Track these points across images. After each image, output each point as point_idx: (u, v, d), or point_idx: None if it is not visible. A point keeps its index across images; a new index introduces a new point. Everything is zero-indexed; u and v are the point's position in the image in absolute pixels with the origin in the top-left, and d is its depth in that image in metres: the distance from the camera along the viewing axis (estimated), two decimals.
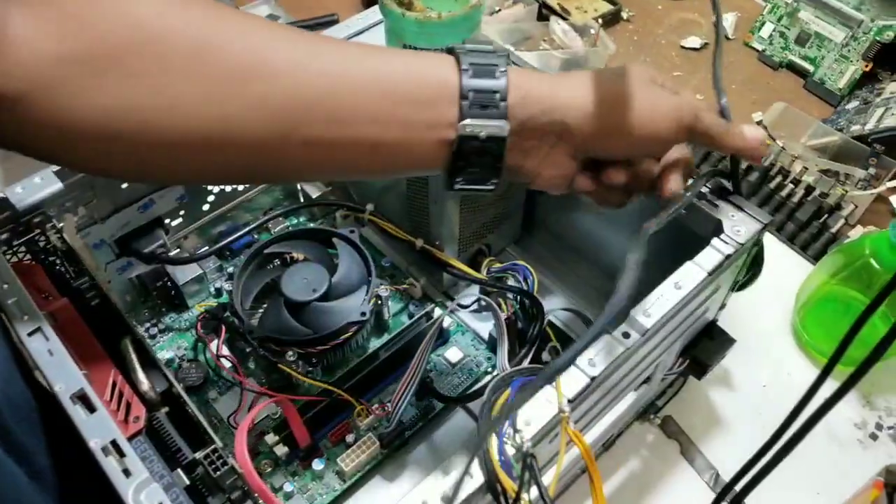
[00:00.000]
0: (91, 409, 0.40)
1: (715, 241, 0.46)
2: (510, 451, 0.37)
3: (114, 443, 0.38)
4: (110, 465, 0.38)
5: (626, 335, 0.42)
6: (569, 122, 0.38)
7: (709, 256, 0.46)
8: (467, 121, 0.36)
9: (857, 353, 0.63)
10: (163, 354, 0.61)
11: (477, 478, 0.37)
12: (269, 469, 0.54)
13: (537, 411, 0.39)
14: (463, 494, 0.36)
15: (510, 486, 0.36)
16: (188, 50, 0.34)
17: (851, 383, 0.41)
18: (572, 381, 0.40)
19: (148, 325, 0.63)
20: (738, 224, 0.47)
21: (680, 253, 0.47)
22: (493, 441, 0.38)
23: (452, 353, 0.61)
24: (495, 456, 0.37)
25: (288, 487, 0.53)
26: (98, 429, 0.39)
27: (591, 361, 0.41)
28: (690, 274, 0.45)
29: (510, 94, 0.37)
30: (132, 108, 0.33)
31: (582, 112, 0.38)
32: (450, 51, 0.39)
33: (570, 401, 0.39)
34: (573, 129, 0.38)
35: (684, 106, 0.40)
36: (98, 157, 0.36)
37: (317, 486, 0.54)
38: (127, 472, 0.37)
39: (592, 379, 0.40)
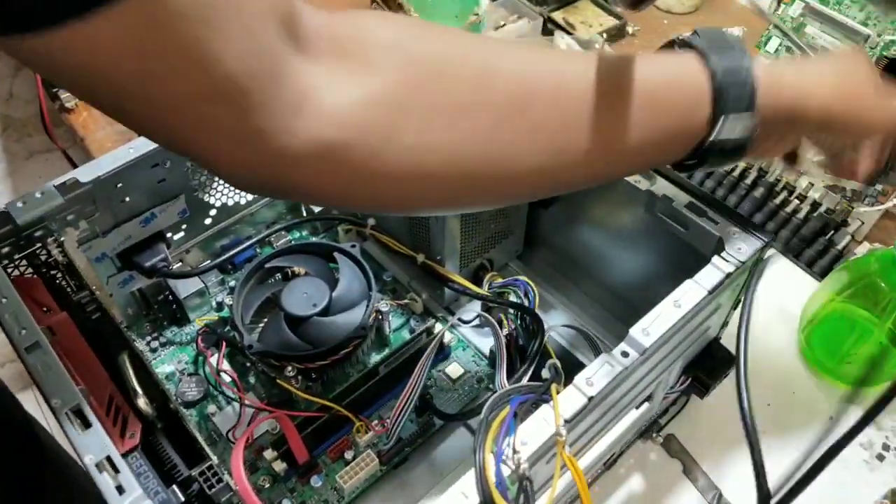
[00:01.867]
0: (86, 424, 0.40)
1: (716, 258, 0.46)
2: (506, 471, 0.37)
3: (108, 459, 0.38)
4: (104, 481, 0.38)
5: (625, 354, 0.41)
6: (810, 110, 0.39)
7: (709, 275, 0.45)
8: (720, 124, 0.38)
9: (859, 372, 0.62)
10: (163, 368, 0.61)
11: (472, 499, 0.36)
12: (268, 485, 0.53)
13: (534, 431, 0.38)
14: None
15: None
16: (473, 79, 0.35)
17: (878, 409, 0.40)
18: (570, 400, 0.40)
19: (149, 338, 0.63)
20: (740, 242, 0.47)
21: (681, 271, 0.46)
22: (491, 461, 0.37)
23: (453, 369, 0.61)
24: (491, 477, 0.37)
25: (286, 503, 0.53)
26: (93, 445, 0.39)
27: (588, 381, 0.40)
28: (690, 292, 0.44)
29: (759, 88, 0.37)
30: (437, 143, 0.34)
31: (825, 101, 0.39)
32: (689, 45, 0.39)
33: (567, 420, 0.39)
34: (813, 117, 0.40)
35: None
36: (411, 195, 0.36)
37: (315, 503, 0.53)
38: (120, 489, 0.37)
39: (590, 399, 0.40)
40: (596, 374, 0.41)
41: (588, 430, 0.44)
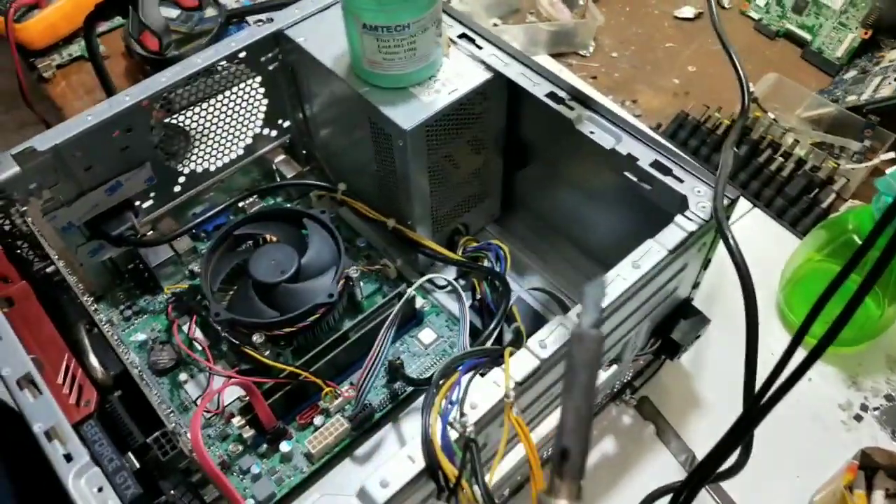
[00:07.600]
0: (38, 392, 0.40)
1: (678, 217, 0.45)
2: (454, 435, 0.37)
3: (57, 426, 0.38)
4: (53, 449, 0.38)
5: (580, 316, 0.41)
6: None
7: (671, 234, 0.44)
8: None
9: (849, 335, 0.61)
10: (136, 337, 0.61)
11: (419, 463, 0.36)
12: (238, 451, 0.54)
13: (484, 395, 0.38)
14: (403, 479, 0.36)
15: (451, 471, 0.36)
16: None
17: (820, 349, 0.39)
18: (522, 363, 0.39)
19: (122, 307, 0.62)
20: (704, 200, 0.45)
21: (651, 231, 0.45)
22: (438, 425, 0.37)
23: (426, 335, 0.60)
24: (437, 440, 0.36)
25: (255, 469, 0.53)
26: (42, 413, 0.39)
27: (541, 343, 0.40)
28: (651, 252, 0.43)
29: None
30: None
31: None
32: None
33: (518, 383, 0.38)
34: None
35: None
36: None
37: (285, 468, 0.54)
38: (69, 457, 0.37)
39: (543, 361, 0.39)
40: (550, 337, 0.40)
41: (547, 392, 0.43)
